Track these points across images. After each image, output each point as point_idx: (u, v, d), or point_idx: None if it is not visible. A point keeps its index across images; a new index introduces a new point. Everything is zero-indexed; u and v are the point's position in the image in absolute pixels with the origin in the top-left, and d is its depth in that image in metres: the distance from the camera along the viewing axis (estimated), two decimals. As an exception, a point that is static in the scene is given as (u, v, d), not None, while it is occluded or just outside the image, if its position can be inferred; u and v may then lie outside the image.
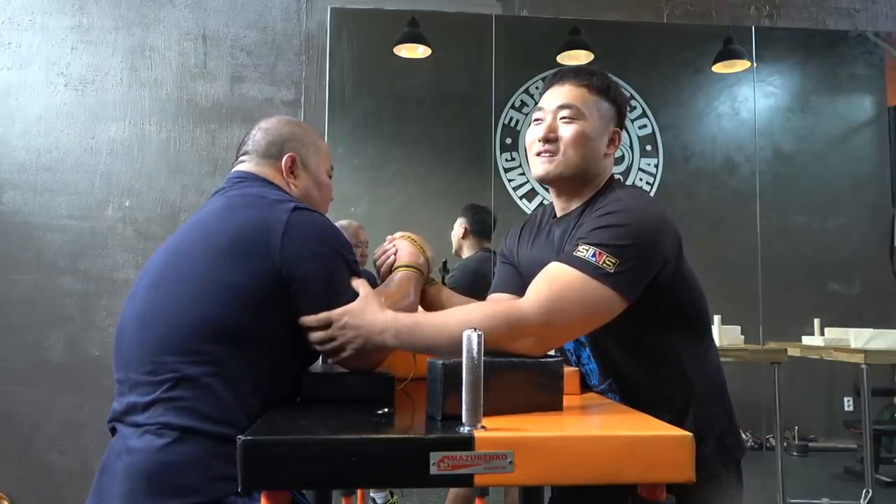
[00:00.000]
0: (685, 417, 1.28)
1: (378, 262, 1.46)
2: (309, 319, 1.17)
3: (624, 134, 1.42)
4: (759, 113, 3.60)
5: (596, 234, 1.20)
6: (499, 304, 1.20)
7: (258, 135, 1.40)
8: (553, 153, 1.35)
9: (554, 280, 1.17)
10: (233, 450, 1.06)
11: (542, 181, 1.39)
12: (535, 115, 1.40)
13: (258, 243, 1.17)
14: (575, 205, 1.39)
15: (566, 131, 1.34)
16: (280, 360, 1.18)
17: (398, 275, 1.40)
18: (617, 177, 1.44)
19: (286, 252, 1.16)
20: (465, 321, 1.05)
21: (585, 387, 1.37)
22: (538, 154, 1.37)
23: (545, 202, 3.40)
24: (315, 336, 1.17)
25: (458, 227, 3.23)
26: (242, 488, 0.86)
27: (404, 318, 1.15)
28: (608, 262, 1.16)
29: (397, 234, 1.49)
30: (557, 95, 1.37)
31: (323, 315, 1.16)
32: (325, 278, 1.19)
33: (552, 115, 1.36)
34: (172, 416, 1.11)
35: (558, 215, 1.43)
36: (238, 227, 1.19)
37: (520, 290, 1.45)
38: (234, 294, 1.15)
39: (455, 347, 0.96)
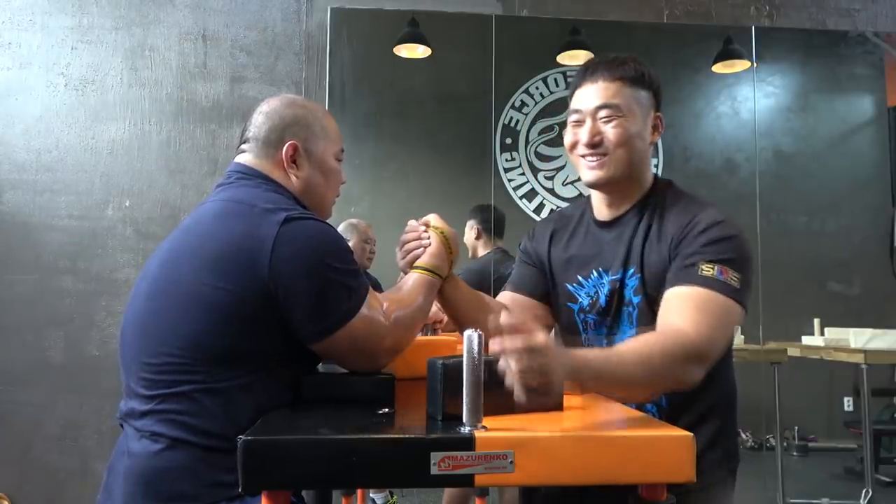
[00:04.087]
0: (705, 421, 1.30)
1: (407, 247, 1.35)
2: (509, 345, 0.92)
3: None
4: (759, 113, 3.60)
5: (713, 250, 1.21)
6: (665, 336, 1.14)
7: (259, 119, 1.33)
8: (601, 155, 1.30)
9: (700, 304, 1.16)
10: (222, 458, 1.07)
11: (594, 186, 1.35)
12: (573, 116, 1.34)
13: (247, 260, 1.12)
14: (625, 207, 1.36)
15: (611, 133, 1.29)
16: (272, 373, 1.16)
17: (413, 276, 1.32)
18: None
19: (275, 269, 1.12)
20: (646, 364, 1.05)
21: None
22: (584, 157, 1.32)
23: (545, 202, 3.44)
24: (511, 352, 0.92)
25: (469, 229, 3.21)
26: (243, 488, 0.86)
27: (593, 370, 1.03)
28: (734, 278, 1.18)
29: (432, 221, 1.37)
30: (593, 94, 1.30)
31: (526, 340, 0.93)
32: (316, 296, 1.14)
33: (591, 117, 1.31)
34: (164, 427, 1.12)
35: (603, 219, 1.39)
36: (226, 242, 1.15)
37: (536, 290, 1.45)
38: (223, 313, 1.12)
39: (630, 391, 1.05)
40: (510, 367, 0.89)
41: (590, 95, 1.32)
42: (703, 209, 1.29)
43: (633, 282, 1.31)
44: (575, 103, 1.35)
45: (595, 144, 1.30)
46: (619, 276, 1.33)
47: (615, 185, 1.34)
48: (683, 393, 1.28)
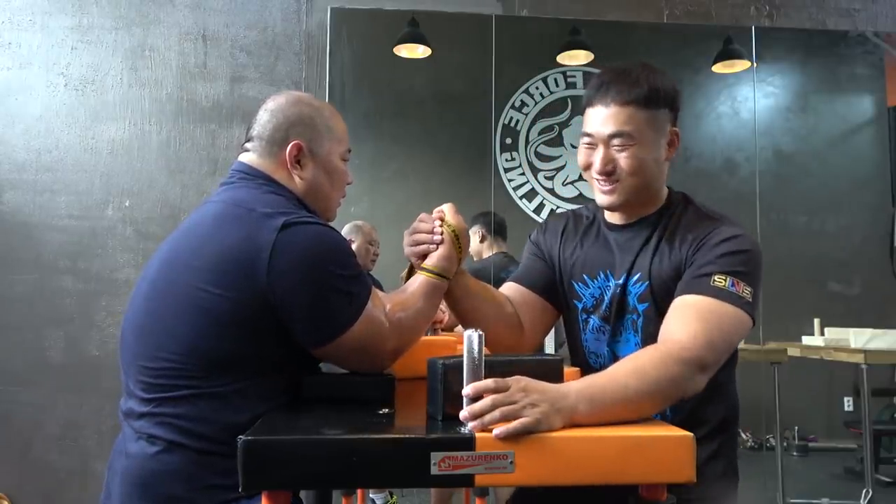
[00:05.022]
0: (713, 437, 1.31)
1: (417, 238, 1.32)
2: (479, 387, 0.93)
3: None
4: (759, 113, 3.60)
5: (727, 262, 1.21)
6: (656, 347, 1.12)
7: (264, 117, 1.30)
8: (614, 182, 1.30)
9: (703, 312, 1.16)
10: (217, 461, 1.08)
11: (607, 209, 1.37)
12: (585, 139, 1.32)
13: (245, 267, 1.11)
14: (639, 216, 1.36)
15: (623, 161, 1.28)
16: (269, 378, 1.15)
17: (419, 279, 1.29)
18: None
19: (273, 277, 1.10)
20: (640, 376, 1.02)
21: None
22: (597, 180, 1.32)
23: (545, 202, 3.43)
24: (484, 403, 0.92)
25: (474, 234, 3.20)
26: (243, 488, 0.86)
27: (587, 394, 0.98)
28: (746, 291, 1.18)
29: (447, 214, 1.32)
30: (605, 121, 1.28)
31: (497, 381, 0.93)
32: (317, 303, 1.13)
33: (604, 144, 1.29)
34: (160, 430, 1.12)
35: (615, 222, 1.39)
36: (224, 247, 1.13)
37: (539, 284, 1.44)
38: (221, 319, 1.11)
39: (635, 408, 1.00)
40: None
41: (602, 120, 1.29)
42: (721, 222, 1.28)
43: (637, 289, 1.31)
44: (587, 125, 1.32)
45: (608, 172, 1.29)
46: (622, 281, 1.32)
47: (628, 205, 1.34)
48: (692, 411, 1.29)
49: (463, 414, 0.91)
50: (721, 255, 1.22)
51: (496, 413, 0.89)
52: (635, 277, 1.31)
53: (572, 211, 1.52)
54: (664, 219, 1.34)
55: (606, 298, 1.35)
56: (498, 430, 0.88)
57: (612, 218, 1.40)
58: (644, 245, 1.32)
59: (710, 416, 1.32)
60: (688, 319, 1.15)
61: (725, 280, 1.18)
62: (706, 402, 1.29)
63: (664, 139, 1.31)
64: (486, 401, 0.90)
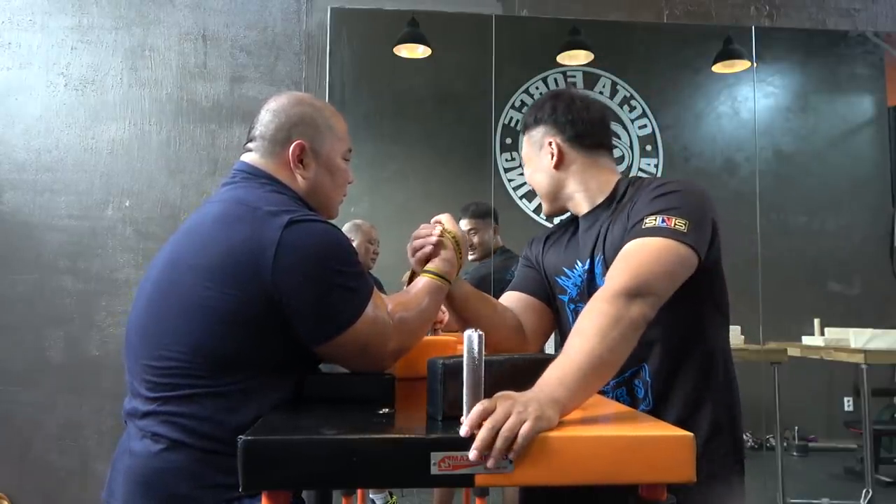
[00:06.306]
0: (698, 412, 1.31)
1: (416, 244, 1.35)
2: (473, 420, 0.89)
3: (624, 133, 1.45)
4: (759, 113, 3.60)
5: (657, 204, 1.25)
6: (590, 304, 1.14)
7: (266, 117, 1.31)
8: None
9: (630, 253, 1.21)
10: (221, 460, 1.08)
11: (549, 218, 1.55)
12: None
13: (249, 265, 1.11)
14: (595, 203, 1.44)
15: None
16: (273, 377, 1.16)
17: (422, 281, 1.31)
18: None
19: (278, 274, 1.11)
20: (585, 335, 1.07)
21: None
22: None
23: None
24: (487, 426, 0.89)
25: (487, 228, 3.13)
26: (243, 488, 0.86)
27: (555, 377, 1.01)
28: (679, 223, 1.22)
29: (445, 222, 1.37)
30: None
31: (483, 405, 0.91)
32: (320, 300, 1.14)
33: None
34: (164, 429, 1.12)
35: (581, 214, 1.48)
36: (228, 246, 1.14)
37: (538, 292, 1.52)
38: (225, 318, 1.11)
39: (600, 363, 1.04)
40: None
41: None
42: (658, 179, 1.35)
43: (600, 267, 1.36)
44: None
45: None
46: (588, 265, 1.39)
47: (563, 209, 1.49)
48: (670, 384, 1.32)
49: (472, 454, 0.86)
50: (651, 201, 1.27)
51: (504, 434, 0.86)
52: (598, 256, 1.38)
53: (556, 225, 1.62)
54: (617, 199, 1.41)
55: (585, 284, 1.41)
56: (513, 453, 0.86)
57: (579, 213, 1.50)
58: (602, 225, 1.40)
59: (693, 392, 1.33)
60: (617, 264, 1.21)
61: (656, 219, 1.23)
62: (687, 378, 1.33)
63: (543, 152, 1.45)
64: (485, 430, 0.87)
